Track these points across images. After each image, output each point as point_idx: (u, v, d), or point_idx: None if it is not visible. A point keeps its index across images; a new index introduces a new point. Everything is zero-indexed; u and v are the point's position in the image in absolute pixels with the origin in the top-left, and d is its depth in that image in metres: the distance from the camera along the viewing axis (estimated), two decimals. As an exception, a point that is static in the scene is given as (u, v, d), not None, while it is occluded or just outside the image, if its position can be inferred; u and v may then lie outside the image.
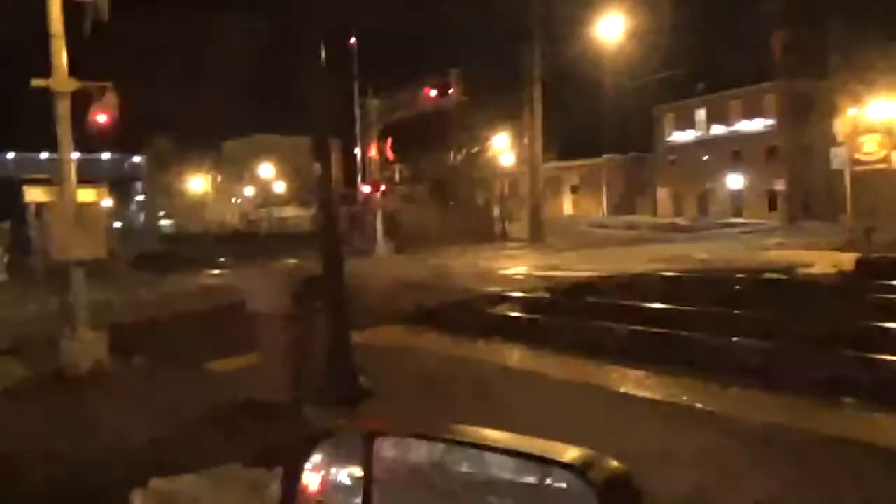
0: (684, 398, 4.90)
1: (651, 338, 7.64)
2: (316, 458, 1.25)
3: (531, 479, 1.03)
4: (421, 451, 1.17)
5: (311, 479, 1.25)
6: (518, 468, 1.04)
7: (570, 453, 0.98)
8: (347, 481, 1.23)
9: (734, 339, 7.11)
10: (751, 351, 6.75)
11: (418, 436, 1.19)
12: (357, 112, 30.81)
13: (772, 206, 42.93)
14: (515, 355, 6.77)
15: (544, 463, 1.00)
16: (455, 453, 1.13)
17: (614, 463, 0.96)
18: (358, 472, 1.19)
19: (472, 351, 7.05)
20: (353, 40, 29.45)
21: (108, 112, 7.51)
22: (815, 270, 12.97)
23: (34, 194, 7.40)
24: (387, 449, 1.18)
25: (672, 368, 6.25)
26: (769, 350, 6.68)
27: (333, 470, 1.24)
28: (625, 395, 5.14)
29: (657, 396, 5.01)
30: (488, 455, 1.07)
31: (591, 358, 6.49)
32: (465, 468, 1.11)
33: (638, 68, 33.61)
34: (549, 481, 1.01)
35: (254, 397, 5.54)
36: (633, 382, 5.43)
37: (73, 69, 7.23)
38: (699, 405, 4.73)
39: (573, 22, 28.44)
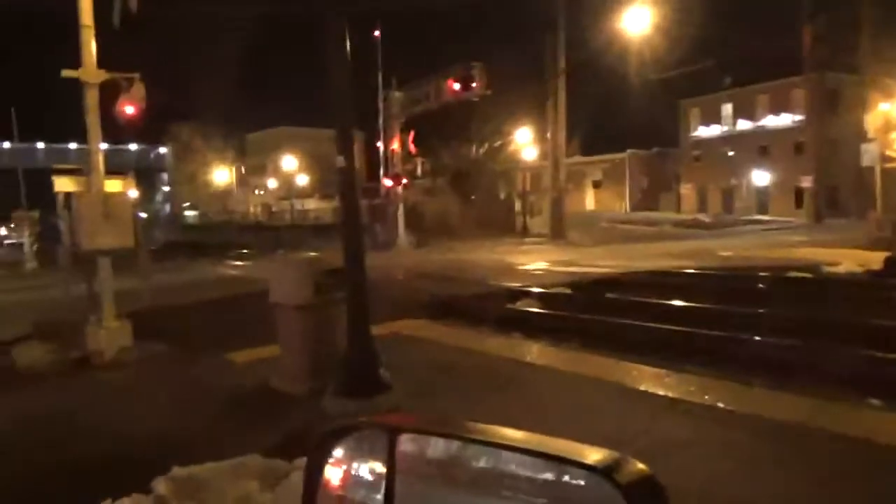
0: (705, 397, 4.86)
1: (672, 335, 7.59)
2: (338, 452, 1.26)
3: (553, 480, 1.03)
4: (441, 448, 1.17)
5: (333, 473, 1.26)
6: (539, 468, 1.03)
7: (594, 455, 0.98)
8: (369, 476, 1.23)
9: (757, 337, 7.04)
10: (774, 349, 6.67)
11: (439, 433, 1.19)
12: (380, 105, 30.86)
13: (798, 203, 42.26)
14: (535, 350, 6.75)
15: (566, 464, 1.00)
16: (475, 451, 1.13)
17: (640, 465, 0.96)
18: (380, 467, 1.20)
19: (492, 345, 7.04)
20: (377, 33, 29.47)
21: (136, 103, 7.60)
22: (841, 269, 12.76)
23: (63, 184, 7.52)
24: (408, 444, 1.18)
25: (693, 366, 6.20)
26: (793, 349, 6.60)
27: (355, 465, 1.25)
28: (644, 392, 5.11)
29: (677, 395, 4.97)
30: (508, 453, 1.07)
31: (610, 354, 6.45)
32: (485, 465, 1.11)
33: (663, 61, 33.19)
34: (570, 482, 1.00)
35: (274, 387, 5.60)
36: (653, 380, 5.39)
37: (101, 60, 7.33)
38: (720, 404, 4.68)
39: (598, 14, 28.16)
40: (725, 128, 52.27)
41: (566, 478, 1.01)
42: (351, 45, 4.78)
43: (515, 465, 1.06)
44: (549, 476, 1.03)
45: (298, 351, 5.53)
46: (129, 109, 7.66)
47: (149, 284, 9.94)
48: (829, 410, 4.47)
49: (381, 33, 29.60)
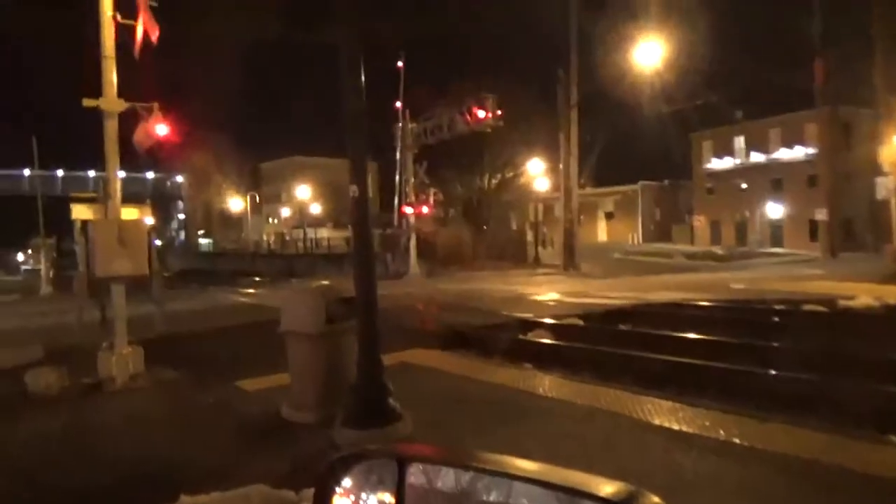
0: (721, 431, 4.77)
1: (686, 368, 7.50)
2: (347, 482, 1.25)
3: None
4: (451, 479, 1.16)
5: (341, 503, 1.24)
6: (552, 501, 1.02)
7: (608, 487, 0.96)
8: None
9: (772, 371, 6.94)
10: (790, 384, 6.57)
11: (449, 462, 1.18)
12: (395, 134, 31.18)
13: (813, 236, 41.97)
14: (547, 382, 6.68)
15: (580, 496, 0.98)
16: (486, 482, 1.11)
17: (655, 498, 0.94)
18: (389, 498, 1.18)
19: (503, 376, 6.98)
20: (399, 63, 29.81)
21: (154, 132, 7.72)
22: (857, 303, 12.59)
23: (80, 212, 7.62)
24: (417, 475, 1.17)
25: (708, 400, 6.12)
26: (810, 383, 6.50)
27: (364, 494, 1.24)
28: (659, 426, 5.03)
29: (692, 429, 4.89)
30: (520, 485, 1.06)
31: (624, 387, 6.37)
32: (497, 497, 1.10)
33: (675, 94, 33.40)
34: None
35: (284, 416, 5.57)
36: (668, 413, 5.31)
37: (119, 88, 7.48)
38: (736, 439, 4.59)
39: (610, 47, 28.46)
40: (738, 160, 52.27)
41: None
42: (365, 75, 4.85)
43: (528, 498, 1.05)
44: None
45: (309, 379, 5.51)
46: (148, 138, 7.78)
47: (162, 311, 9.99)
48: (848, 447, 4.38)
49: (395, 63, 30.06)
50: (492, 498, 1.10)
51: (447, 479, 1.16)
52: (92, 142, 7.81)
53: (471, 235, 37.89)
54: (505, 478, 1.08)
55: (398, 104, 29.78)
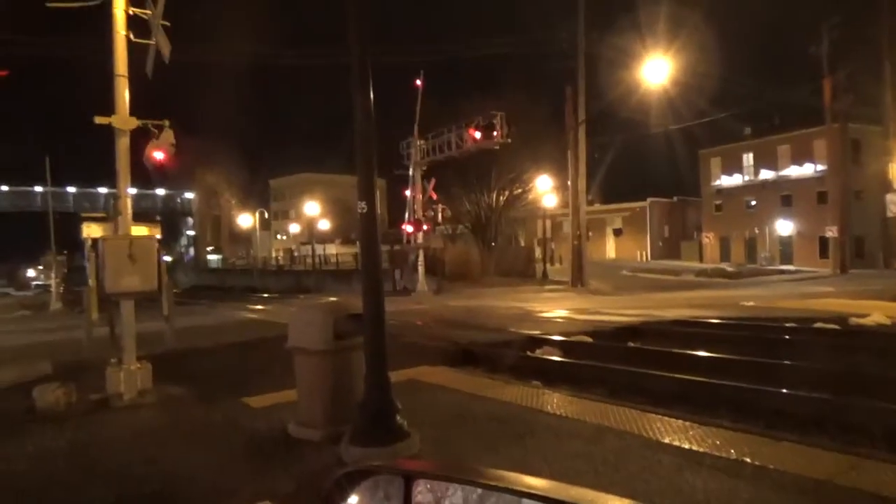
0: (732, 450, 4.71)
1: (696, 386, 7.43)
2: (353, 498, 1.23)
3: None
4: (458, 495, 1.15)
5: None
6: None
7: None
8: None
9: (784, 389, 6.86)
10: (802, 403, 6.49)
11: (456, 479, 1.17)
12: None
13: (823, 252, 41.70)
14: (555, 400, 6.63)
15: None
16: (493, 499, 1.10)
17: None
18: None
19: (511, 394, 6.94)
20: (418, 82, 29.89)
21: (166, 149, 7.79)
22: (869, 321, 12.48)
23: (91, 230, 7.68)
24: (424, 491, 1.16)
25: (719, 419, 6.05)
26: (822, 402, 6.42)
27: None
28: (669, 445, 4.97)
29: (703, 448, 4.83)
30: (528, 502, 1.04)
31: (633, 405, 6.32)
32: None
33: (683, 111, 33.46)
34: None
35: (291, 433, 5.55)
36: (678, 432, 5.26)
37: (132, 107, 7.57)
38: (747, 458, 4.53)
39: (619, 65, 28.59)
40: (747, 177, 52.14)
41: None
42: (375, 92, 4.88)
43: None
44: None
45: (316, 396, 5.49)
46: (159, 155, 7.85)
47: (173, 327, 10.01)
48: (861, 467, 4.31)
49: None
50: None
51: (454, 495, 1.14)
52: (104, 158, 7.88)
53: (479, 252, 37.88)
54: (513, 494, 1.07)
55: (417, 123, 29.77)
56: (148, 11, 7.63)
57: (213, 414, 6.57)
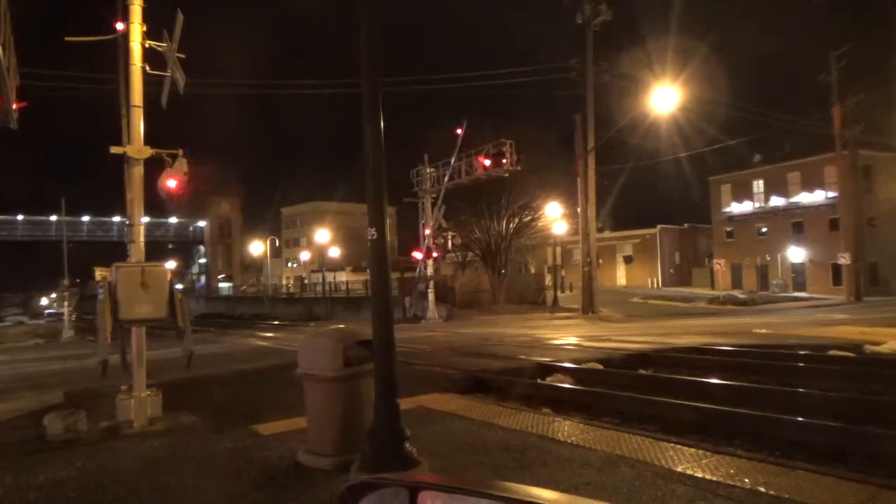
0: (746, 479, 4.64)
1: (709, 414, 7.35)
2: None
3: None
4: None
5: None
6: None
7: None
8: None
9: (799, 418, 6.77)
10: (818, 432, 6.40)
11: (462, 490, 1.16)
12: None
13: (836, 280, 41.35)
14: (566, 428, 6.57)
15: None
16: None
17: None
18: None
19: (521, 421, 6.88)
20: (459, 131, 29.56)
21: (179, 178, 7.89)
22: (885, 348, 12.31)
23: (102, 272, 7.76)
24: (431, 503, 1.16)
25: (732, 447, 5.98)
26: (838, 431, 6.33)
27: None
28: (681, 473, 4.91)
29: (716, 477, 4.76)
30: None
31: (645, 434, 6.25)
32: None
33: (693, 139, 33.57)
34: None
35: (300, 461, 5.52)
36: (690, 460, 5.19)
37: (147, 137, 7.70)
38: (762, 488, 4.47)
39: (630, 92, 28.81)
40: (758, 204, 52.02)
41: None
42: (386, 122, 4.95)
43: None
44: None
45: (326, 423, 5.47)
46: (172, 184, 7.94)
47: (189, 355, 10.04)
48: (879, 498, 4.24)
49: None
50: None
51: None
52: (116, 188, 7.99)
53: (489, 279, 37.84)
54: None
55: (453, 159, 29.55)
56: (164, 44, 7.80)
57: (223, 442, 6.55)
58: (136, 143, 7.54)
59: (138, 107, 7.60)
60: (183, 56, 7.91)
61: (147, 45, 7.72)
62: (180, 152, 7.98)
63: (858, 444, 6.00)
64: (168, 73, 7.84)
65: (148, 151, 7.62)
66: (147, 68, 7.70)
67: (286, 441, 6.19)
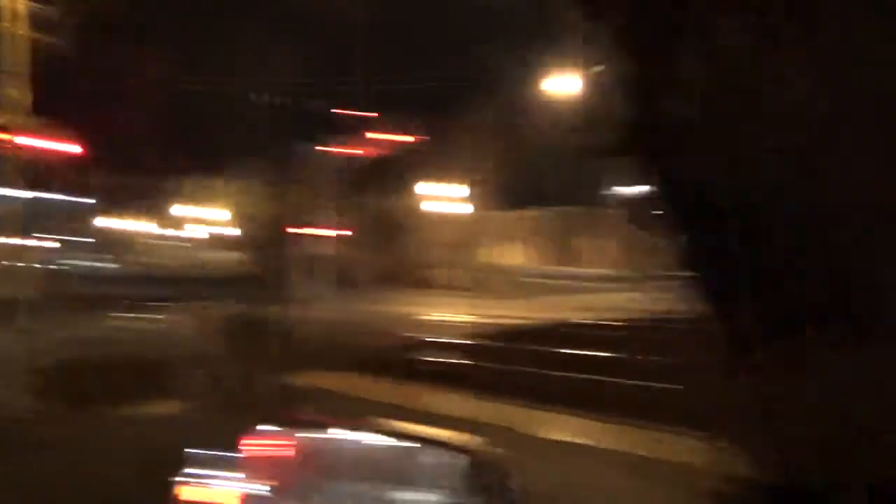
0: (625, 446, 4.91)
1: (591, 385, 7.68)
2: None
3: (418, 460, 1.12)
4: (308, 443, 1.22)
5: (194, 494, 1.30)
6: (405, 451, 1.13)
7: (453, 437, 1.09)
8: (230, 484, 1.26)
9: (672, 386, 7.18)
10: (689, 398, 6.84)
11: (301, 424, 1.25)
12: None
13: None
14: (446, 401, 6.76)
15: (430, 444, 1.11)
16: (337, 443, 1.18)
17: (499, 450, 1.09)
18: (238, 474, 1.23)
19: (399, 396, 7.00)
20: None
21: (59, 151, 7.40)
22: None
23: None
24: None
25: (611, 415, 6.29)
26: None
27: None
28: (557, 442, 5.15)
29: (601, 444, 5.00)
30: (377, 440, 1.15)
31: (526, 404, 6.50)
32: (351, 458, 1.18)
33: (584, 120, 34.39)
34: (431, 461, 1.10)
35: (174, 445, 5.40)
36: (569, 428, 5.46)
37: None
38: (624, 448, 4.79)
39: (523, 76, 29.22)
40: (647, 186, 54.32)
41: (431, 460, 1.12)
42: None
43: (381, 452, 1.15)
44: (416, 460, 1.13)
45: (200, 405, 5.42)
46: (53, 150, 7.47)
47: (56, 338, 9.51)
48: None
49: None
50: (348, 459, 1.18)
51: (304, 443, 1.22)
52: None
53: (377, 257, 37.55)
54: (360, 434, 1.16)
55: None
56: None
57: (98, 427, 6.30)
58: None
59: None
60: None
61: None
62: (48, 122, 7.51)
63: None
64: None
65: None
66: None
67: (161, 424, 6.02)
